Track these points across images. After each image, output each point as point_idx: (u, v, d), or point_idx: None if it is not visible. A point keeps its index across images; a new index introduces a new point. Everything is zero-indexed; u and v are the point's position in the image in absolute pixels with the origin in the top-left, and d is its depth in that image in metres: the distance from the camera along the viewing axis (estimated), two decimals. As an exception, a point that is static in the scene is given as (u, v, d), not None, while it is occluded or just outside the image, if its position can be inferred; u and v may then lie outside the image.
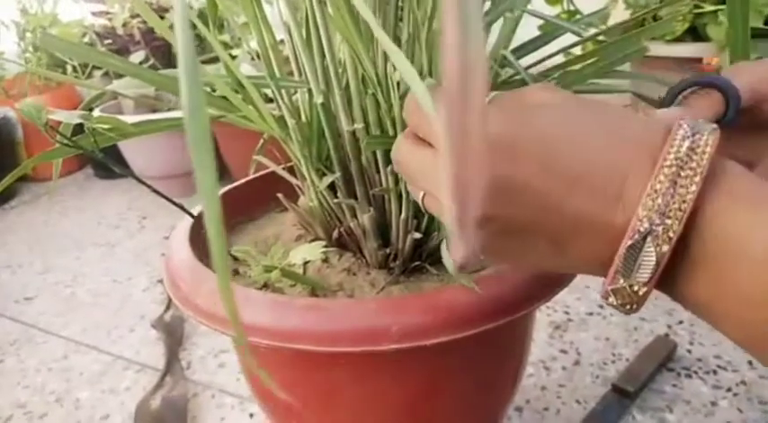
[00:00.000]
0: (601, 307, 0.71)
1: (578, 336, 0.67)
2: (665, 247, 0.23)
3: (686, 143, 0.23)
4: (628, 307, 0.25)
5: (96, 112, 1.16)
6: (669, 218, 0.22)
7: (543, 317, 0.70)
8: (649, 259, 0.23)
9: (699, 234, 0.23)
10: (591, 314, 0.70)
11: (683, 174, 0.22)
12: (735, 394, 0.57)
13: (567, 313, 0.71)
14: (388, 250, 0.40)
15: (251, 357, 0.14)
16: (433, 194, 0.28)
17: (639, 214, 0.23)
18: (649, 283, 0.24)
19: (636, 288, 0.24)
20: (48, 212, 1.18)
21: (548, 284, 0.35)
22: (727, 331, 0.24)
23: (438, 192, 0.27)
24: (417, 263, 0.40)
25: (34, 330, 0.78)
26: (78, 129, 0.37)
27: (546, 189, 0.24)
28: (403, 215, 0.38)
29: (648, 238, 0.23)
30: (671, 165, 0.23)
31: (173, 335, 0.72)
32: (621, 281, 0.24)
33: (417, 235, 0.39)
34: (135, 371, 0.68)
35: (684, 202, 0.22)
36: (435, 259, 0.41)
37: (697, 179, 0.22)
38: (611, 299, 0.25)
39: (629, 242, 0.23)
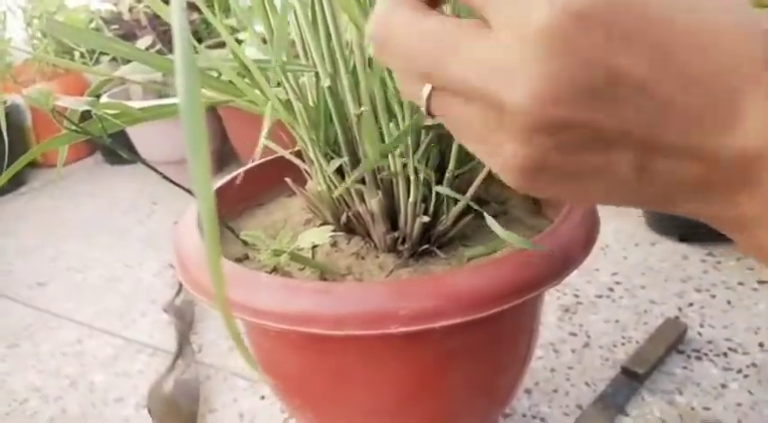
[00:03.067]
0: (610, 290, 0.71)
1: (588, 318, 0.67)
2: None
3: None
4: None
5: (104, 98, 1.17)
6: None
7: (552, 300, 0.70)
8: None
9: None
10: (600, 297, 0.70)
11: None
12: (745, 376, 0.57)
13: (576, 296, 0.71)
14: (396, 234, 0.40)
15: (236, 333, 0.14)
16: (478, 87, 0.19)
17: None
18: None
19: None
20: (58, 198, 1.18)
21: (557, 267, 0.35)
22: None
23: (491, 79, 0.19)
24: (426, 246, 0.40)
25: (47, 315, 0.79)
26: (88, 115, 0.37)
27: (654, 89, 0.18)
28: (411, 199, 0.38)
29: None
30: None
31: (184, 319, 0.72)
32: None
33: (426, 219, 0.38)
34: (147, 354, 0.69)
35: None
36: (444, 243, 0.41)
37: None
38: None
39: None
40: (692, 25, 0.18)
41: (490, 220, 0.34)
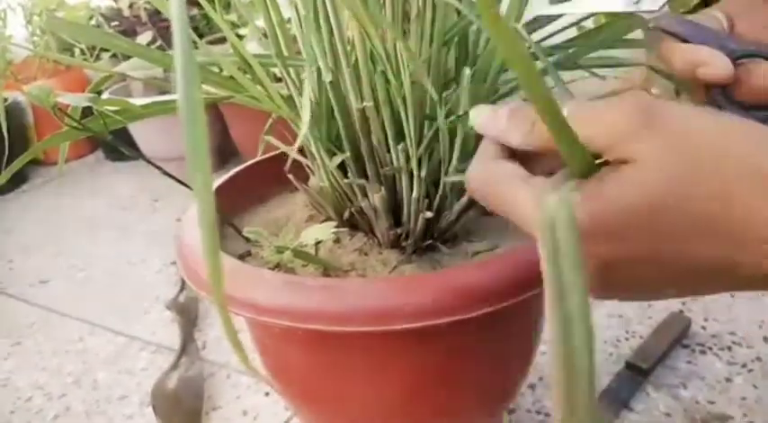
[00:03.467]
0: (614, 284, 0.71)
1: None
2: None
3: None
4: None
5: (105, 95, 1.16)
6: None
7: (556, 294, 0.70)
8: None
9: None
10: (604, 291, 0.70)
11: None
12: (749, 370, 0.57)
13: (579, 291, 0.70)
14: (399, 230, 0.39)
15: (232, 330, 0.13)
16: None
17: None
18: None
19: None
20: (60, 196, 1.18)
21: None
22: None
23: None
24: (429, 242, 0.40)
25: (50, 313, 0.79)
26: (89, 112, 0.37)
27: (659, 256, 0.23)
28: (414, 194, 0.38)
29: None
30: None
31: (187, 316, 0.72)
32: None
33: (429, 214, 0.38)
34: (151, 352, 0.69)
35: None
36: (447, 238, 0.41)
37: None
38: None
39: None
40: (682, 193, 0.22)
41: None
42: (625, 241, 0.23)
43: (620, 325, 0.64)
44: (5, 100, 1.24)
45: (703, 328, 0.63)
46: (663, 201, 0.22)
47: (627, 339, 0.62)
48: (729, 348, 0.59)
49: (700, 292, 0.25)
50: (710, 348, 0.60)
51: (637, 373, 0.57)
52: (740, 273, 0.22)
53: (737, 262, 0.22)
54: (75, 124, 0.35)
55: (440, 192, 0.39)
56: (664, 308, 0.66)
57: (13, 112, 1.26)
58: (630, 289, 0.25)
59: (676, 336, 0.60)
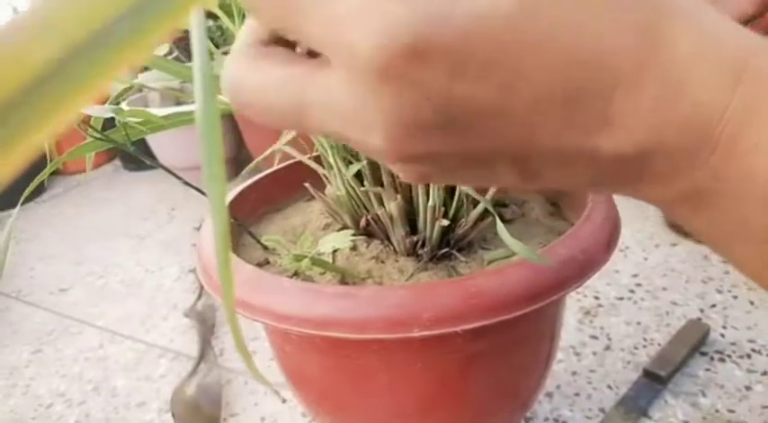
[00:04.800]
0: (631, 291, 0.71)
1: (608, 321, 0.66)
2: None
3: None
4: None
5: (124, 106, 1.18)
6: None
7: (573, 302, 0.70)
8: None
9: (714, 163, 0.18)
10: (621, 299, 0.70)
11: None
12: (770, 378, 0.56)
13: (596, 298, 0.70)
14: (415, 238, 0.40)
15: (240, 336, 0.14)
16: (343, 135, 0.19)
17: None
18: None
19: None
20: (78, 205, 1.20)
21: (579, 270, 0.35)
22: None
23: (348, 128, 0.19)
24: (446, 250, 0.40)
25: (69, 321, 0.80)
26: (109, 123, 0.38)
27: (509, 111, 0.17)
28: (430, 202, 0.38)
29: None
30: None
31: (205, 323, 0.73)
32: None
33: (445, 222, 0.38)
34: (169, 359, 0.69)
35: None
36: (463, 246, 0.41)
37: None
38: None
39: None
40: (547, 43, 0.17)
41: (500, 228, 0.34)
42: (466, 76, 0.17)
43: (638, 332, 0.64)
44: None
45: (722, 335, 0.62)
46: (526, 23, 0.16)
47: (644, 347, 0.62)
48: (749, 356, 0.59)
49: (544, 179, 0.20)
50: (729, 356, 0.59)
51: (655, 381, 0.56)
52: (604, 149, 0.18)
53: (607, 130, 0.18)
54: (98, 135, 0.36)
55: (456, 199, 0.39)
56: (682, 315, 0.65)
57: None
58: (463, 155, 0.19)
59: (695, 343, 0.60)
